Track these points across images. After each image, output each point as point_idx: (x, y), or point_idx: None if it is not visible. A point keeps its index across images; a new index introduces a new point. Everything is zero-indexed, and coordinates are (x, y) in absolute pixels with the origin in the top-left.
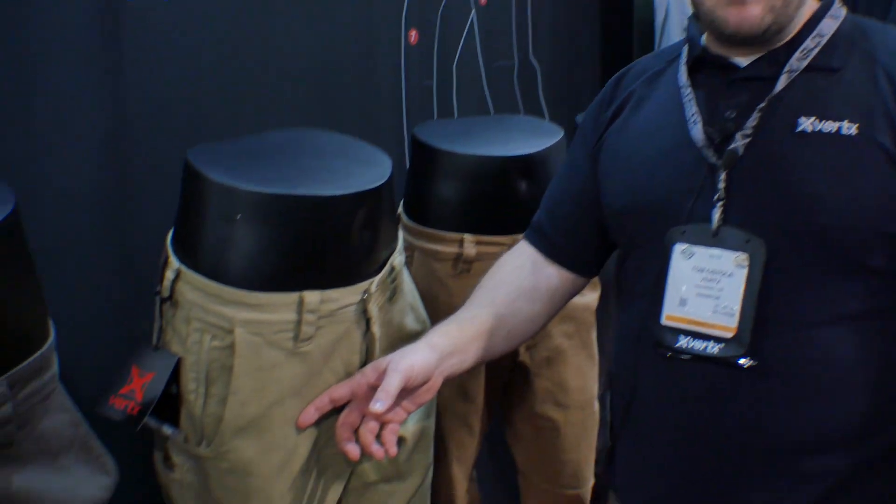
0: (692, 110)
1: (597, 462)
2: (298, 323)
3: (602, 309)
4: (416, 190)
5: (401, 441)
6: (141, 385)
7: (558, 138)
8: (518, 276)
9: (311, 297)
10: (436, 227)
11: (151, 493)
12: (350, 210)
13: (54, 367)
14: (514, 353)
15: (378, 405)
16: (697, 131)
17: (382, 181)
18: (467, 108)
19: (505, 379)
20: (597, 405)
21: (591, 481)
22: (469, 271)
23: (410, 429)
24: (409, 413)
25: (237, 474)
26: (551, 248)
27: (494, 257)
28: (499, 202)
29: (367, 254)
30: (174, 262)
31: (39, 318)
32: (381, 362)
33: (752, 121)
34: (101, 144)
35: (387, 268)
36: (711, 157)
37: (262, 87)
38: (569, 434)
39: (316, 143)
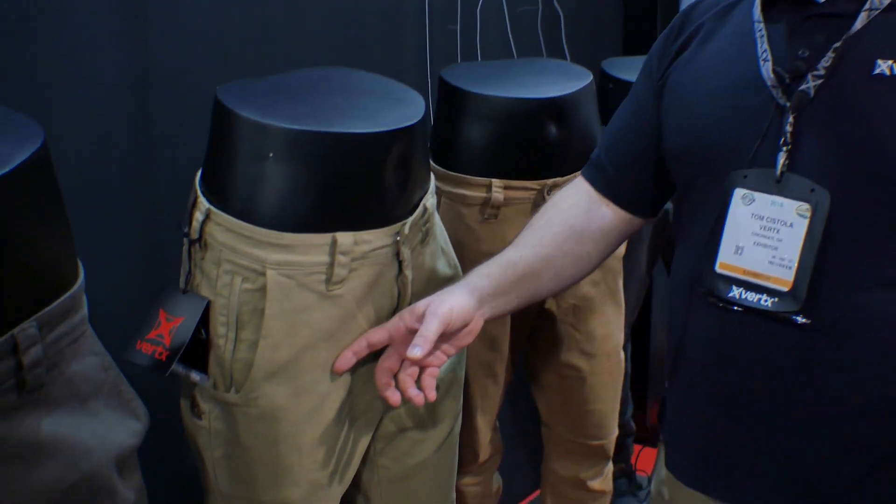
0: (763, 47)
1: (620, 413)
2: (331, 265)
3: (627, 257)
4: (443, 134)
5: None
6: (169, 330)
7: (588, 81)
8: (570, 214)
9: (344, 238)
10: (463, 171)
11: (177, 441)
12: (384, 148)
13: (84, 310)
14: (540, 301)
15: (416, 350)
16: (767, 70)
17: (417, 119)
18: (491, 54)
19: (530, 327)
20: (622, 355)
21: (615, 432)
22: (497, 217)
23: (441, 375)
24: (448, 357)
25: (266, 421)
26: (607, 185)
27: (523, 203)
28: (528, 146)
29: (401, 195)
30: (203, 203)
31: (69, 258)
32: (419, 306)
33: (826, 61)
34: (126, 85)
35: (419, 209)
36: (780, 98)
37: (285, 28)
38: (594, 383)
39: (347, 81)
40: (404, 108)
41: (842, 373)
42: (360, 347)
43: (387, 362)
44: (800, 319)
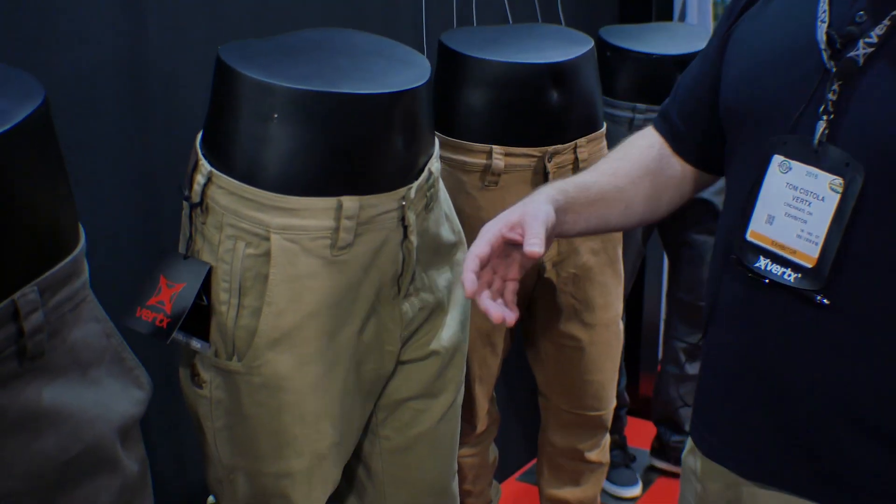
0: (823, 7)
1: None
2: (336, 230)
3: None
4: (443, 99)
5: (434, 355)
6: (170, 296)
7: (589, 47)
8: (647, 156)
9: (350, 202)
10: (463, 137)
11: (175, 411)
12: (391, 110)
13: (85, 274)
14: (539, 269)
15: (535, 247)
16: (822, 32)
17: (423, 81)
18: (486, 20)
19: (529, 297)
20: (621, 325)
21: (612, 403)
22: (497, 184)
23: (445, 343)
24: (524, 270)
25: (270, 390)
26: (675, 139)
27: (523, 170)
28: (529, 112)
29: (406, 158)
30: (205, 166)
31: (70, 221)
32: (511, 215)
33: (881, 28)
34: (121, 46)
35: (424, 174)
36: (828, 62)
37: None
38: (592, 353)
39: (350, 42)
40: (410, 70)
41: (860, 357)
42: (475, 267)
43: (485, 277)
44: (819, 299)
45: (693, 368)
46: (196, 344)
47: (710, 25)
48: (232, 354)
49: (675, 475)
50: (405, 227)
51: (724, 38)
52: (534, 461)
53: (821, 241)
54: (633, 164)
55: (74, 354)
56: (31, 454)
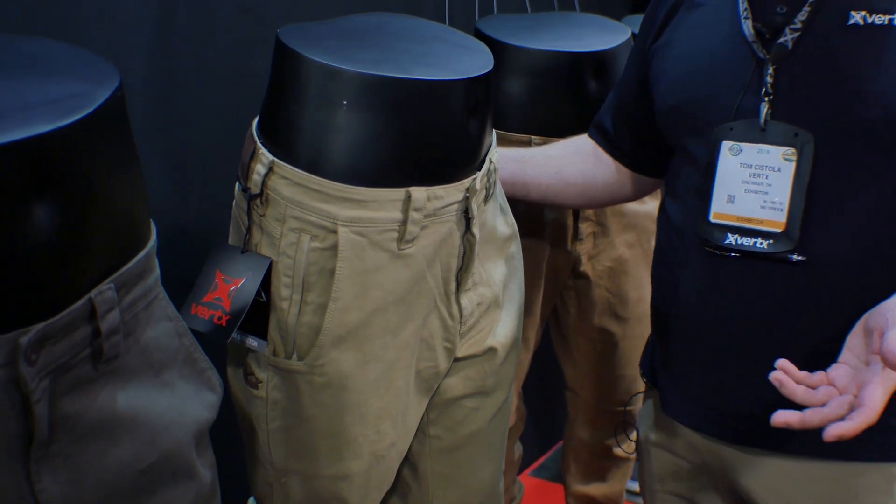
0: (744, 6)
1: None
2: (404, 222)
3: None
4: None
5: (491, 352)
6: (228, 292)
7: (627, 37)
8: (580, 143)
9: (418, 193)
10: (501, 127)
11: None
12: (463, 97)
13: (157, 270)
14: (575, 263)
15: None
16: (748, 27)
17: (491, 68)
18: (506, 9)
19: (561, 290)
20: None
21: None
22: None
23: (501, 339)
24: None
25: (332, 389)
26: (609, 143)
27: None
28: (568, 102)
29: (472, 148)
30: (265, 155)
31: (144, 214)
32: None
33: (802, 15)
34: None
35: (486, 164)
36: (760, 51)
37: None
38: (625, 348)
39: (407, 26)
40: (475, 57)
41: (837, 308)
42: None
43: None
44: (795, 257)
45: None
46: (252, 342)
47: None
48: (292, 353)
49: None
50: (468, 220)
51: (650, 48)
52: (546, 455)
53: (786, 206)
54: (565, 144)
55: (147, 356)
56: (107, 463)
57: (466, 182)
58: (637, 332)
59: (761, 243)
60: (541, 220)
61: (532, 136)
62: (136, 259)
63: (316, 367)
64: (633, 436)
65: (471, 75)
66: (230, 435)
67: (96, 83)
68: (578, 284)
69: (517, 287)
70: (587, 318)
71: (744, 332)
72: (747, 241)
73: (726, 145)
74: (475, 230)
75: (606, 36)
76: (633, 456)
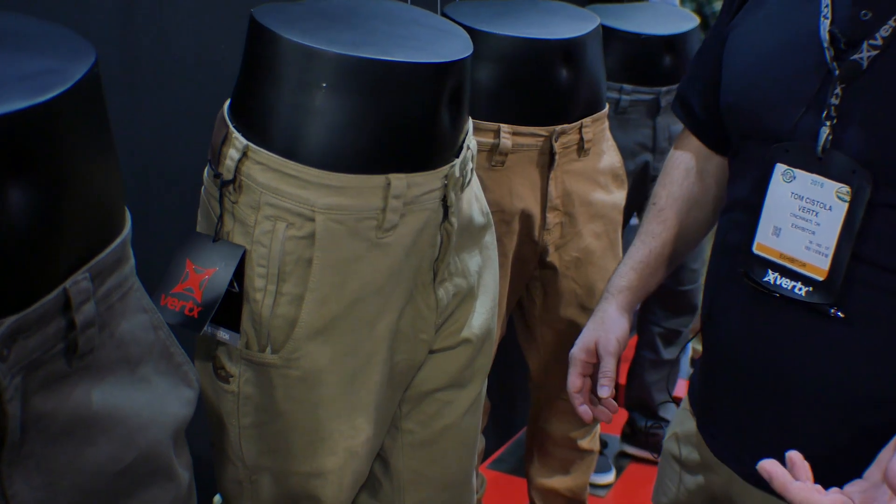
0: (826, 2)
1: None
2: (383, 210)
3: (627, 209)
4: None
5: (465, 344)
6: (199, 282)
7: (596, 24)
8: (685, 185)
9: (398, 180)
10: (470, 115)
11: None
12: (443, 82)
13: (132, 260)
14: (542, 253)
15: (606, 390)
16: (824, 29)
17: (470, 52)
18: None
19: (527, 281)
20: None
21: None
22: (504, 164)
23: (476, 330)
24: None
25: (308, 383)
26: (703, 133)
27: (529, 150)
28: (538, 90)
29: (451, 134)
30: (239, 140)
31: (119, 200)
32: (587, 342)
33: (885, 30)
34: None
35: (464, 151)
36: (832, 63)
37: None
38: None
39: (384, 9)
40: (454, 41)
41: (875, 369)
42: (580, 401)
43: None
44: (833, 312)
45: (669, 354)
46: (224, 335)
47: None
48: (266, 346)
49: (646, 461)
50: (446, 208)
51: (726, 30)
52: (504, 447)
53: (831, 253)
54: (678, 207)
55: (123, 350)
56: (82, 465)
57: (445, 169)
58: None
59: (800, 289)
60: (509, 210)
61: (501, 125)
62: (111, 247)
63: (291, 360)
64: (597, 430)
65: (452, 59)
66: (195, 430)
67: (71, 59)
68: (545, 275)
69: (492, 277)
70: (553, 309)
71: (771, 374)
72: (787, 284)
73: (780, 169)
74: (453, 219)
75: (575, 23)
76: (597, 449)
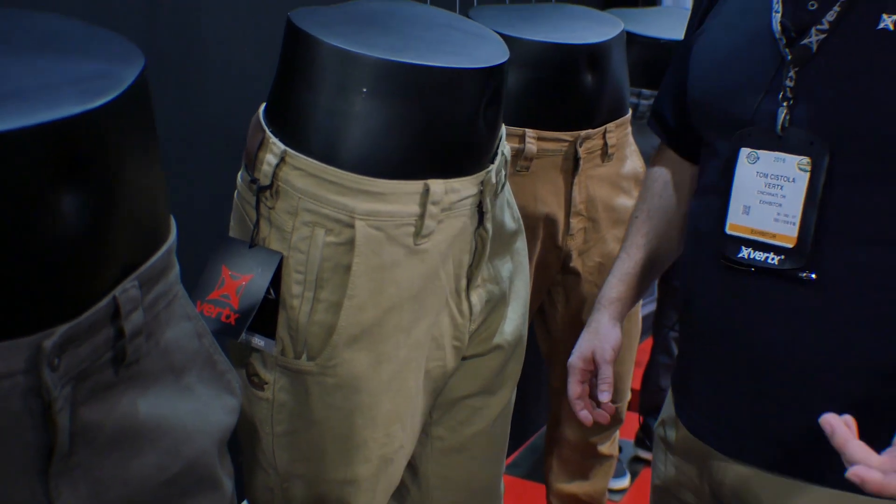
0: None
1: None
2: (421, 216)
3: None
4: None
5: (497, 350)
6: (235, 289)
7: (620, 29)
8: (666, 197)
9: (436, 186)
10: None
11: None
12: (482, 87)
13: (177, 267)
14: (565, 259)
15: (606, 395)
16: (776, 22)
17: (507, 57)
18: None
19: (549, 287)
20: (640, 315)
21: (629, 395)
22: (528, 169)
23: (508, 337)
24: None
25: (344, 391)
26: (676, 142)
27: (554, 156)
28: (563, 95)
29: (487, 139)
30: (277, 145)
31: (165, 206)
32: (584, 350)
33: (831, 15)
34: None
35: (499, 157)
36: (784, 51)
37: None
38: None
39: (418, 13)
40: (490, 45)
41: (848, 329)
42: (581, 406)
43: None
44: (805, 275)
45: None
46: (259, 341)
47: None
48: (302, 353)
49: None
50: (482, 214)
51: (695, 35)
52: (517, 452)
53: (797, 220)
54: (659, 215)
55: (168, 358)
56: (129, 475)
57: (481, 175)
58: (626, 327)
59: (773, 259)
60: (533, 215)
61: (526, 130)
62: (158, 254)
63: (328, 367)
64: (617, 435)
65: (492, 63)
66: None
67: (121, 62)
68: (567, 280)
69: (523, 283)
70: (575, 314)
71: (748, 347)
72: (760, 256)
73: (744, 152)
74: (488, 225)
75: (600, 28)
76: (616, 454)
